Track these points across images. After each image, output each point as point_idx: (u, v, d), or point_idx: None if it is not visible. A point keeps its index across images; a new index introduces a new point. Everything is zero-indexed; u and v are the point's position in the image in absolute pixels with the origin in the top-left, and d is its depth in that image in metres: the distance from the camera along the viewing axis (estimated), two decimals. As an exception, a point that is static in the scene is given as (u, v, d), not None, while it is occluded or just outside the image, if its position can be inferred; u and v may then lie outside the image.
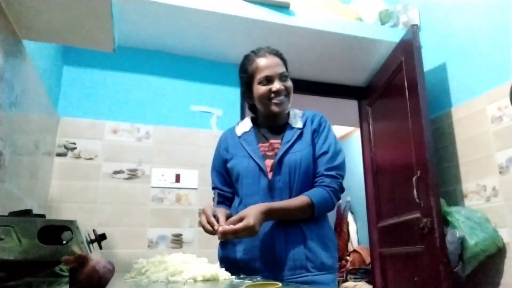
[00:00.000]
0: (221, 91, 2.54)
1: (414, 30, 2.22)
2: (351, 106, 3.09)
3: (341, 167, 1.26)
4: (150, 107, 2.37)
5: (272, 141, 1.30)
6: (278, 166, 1.24)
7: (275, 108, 1.29)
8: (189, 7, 2.08)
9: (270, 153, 1.28)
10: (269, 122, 1.35)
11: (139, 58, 2.43)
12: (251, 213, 1.07)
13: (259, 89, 1.28)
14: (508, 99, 1.93)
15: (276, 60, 1.29)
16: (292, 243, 1.18)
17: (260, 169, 1.24)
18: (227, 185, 1.37)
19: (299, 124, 1.31)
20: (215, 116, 2.49)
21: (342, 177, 1.25)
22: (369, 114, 2.82)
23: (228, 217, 1.15)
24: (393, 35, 2.46)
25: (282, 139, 1.29)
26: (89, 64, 2.31)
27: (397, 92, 2.37)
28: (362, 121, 2.94)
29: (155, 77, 2.44)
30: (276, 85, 1.27)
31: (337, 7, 2.47)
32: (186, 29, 2.26)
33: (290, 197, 1.21)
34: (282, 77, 1.28)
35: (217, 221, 1.09)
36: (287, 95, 1.30)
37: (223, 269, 0.97)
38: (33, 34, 1.33)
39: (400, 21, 2.56)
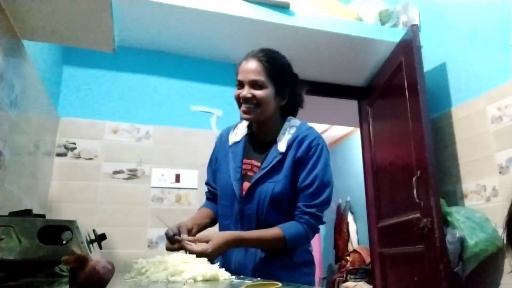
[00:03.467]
0: (221, 91, 2.54)
1: (414, 30, 2.22)
2: (351, 106, 3.09)
3: (324, 203, 1.17)
4: (150, 107, 2.37)
5: (253, 161, 1.25)
6: (250, 194, 1.20)
7: (242, 115, 1.23)
8: (189, 7, 2.08)
9: (250, 174, 1.23)
10: (259, 132, 1.29)
11: (139, 58, 2.43)
12: (214, 241, 1.05)
13: (234, 91, 1.24)
14: (508, 99, 1.93)
15: (254, 66, 1.20)
16: (256, 270, 1.17)
17: (235, 193, 1.22)
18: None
19: (283, 147, 1.21)
20: (215, 116, 2.49)
21: (324, 210, 1.18)
22: (369, 114, 2.82)
23: (199, 227, 1.20)
24: (393, 35, 2.46)
25: (262, 162, 1.23)
26: (89, 64, 2.31)
27: (397, 92, 2.37)
28: (362, 121, 2.94)
29: (155, 77, 2.44)
30: (243, 92, 1.20)
31: (337, 7, 2.47)
32: (186, 29, 2.26)
33: (257, 226, 1.18)
34: (253, 85, 1.19)
35: (179, 234, 1.11)
36: (258, 105, 1.20)
37: (223, 269, 0.97)
38: (33, 34, 1.33)
39: (400, 21, 2.56)
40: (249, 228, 1.18)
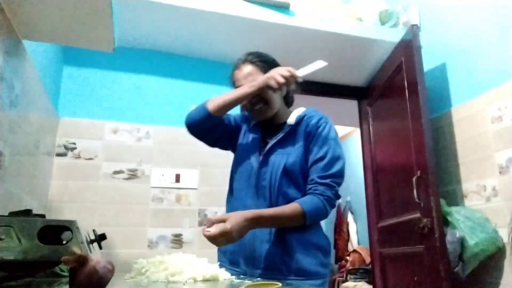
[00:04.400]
0: (221, 91, 2.50)
1: (414, 30, 2.22)
2: (351, 106, 3.09)
3: (338, 175, 1.18)
4: (150, 107, 2.37)
5: (267, 140, 1.30)
6: (264, 164, 1.23)
7: (255, 118, 1.31)
8: (189, 7, 2.08)
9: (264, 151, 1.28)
10: (268, 121, 1.33)
11: (139, 58, 2.43)
12: (231, 219, 1.02)
13: None
14: (508, 99, 1.93)
15: (247, 70, 1.26)
16: (271, 243, 1.16)
17: (252, 166, 1.25)
18: (226, 122, 1.35)
19: (292, 121, 1.27)
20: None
21: (339, 184, 1.19)
22: (369, 114, 2.82)
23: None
24: (393, 35, 2.46)
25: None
26: (89, 64, 2.31)
27: (397, 92, 2.37)
28: (362, 121, 2.94)
29: (155, 77, 2.44)
30: None
31: (337, 7, 2.47)
32: (186, 29, 2.26)
33: (271, 196, 1.19)
34: None
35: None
36: (266, 103, 1.25)
37: (223, 269, 0.97)
38: (33, 34, 1.33)
39: (400, 21, 2.56)
40: (265, 200, 1.19)
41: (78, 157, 2.16)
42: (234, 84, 1.32)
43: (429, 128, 2.08)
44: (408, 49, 2.25)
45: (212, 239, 1.00)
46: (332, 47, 2.48)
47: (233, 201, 1.28)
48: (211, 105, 1.25)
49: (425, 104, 2.10)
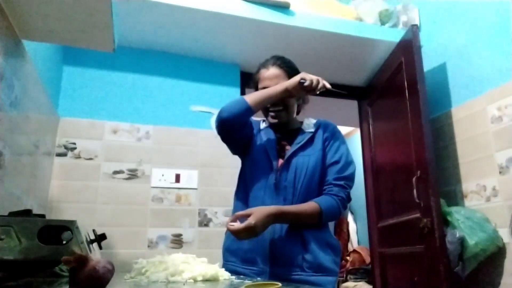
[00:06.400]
0: (221, 91, 2.54)
1: (414, 30, 2.22)
2: (351, 106, 3.09)
3: (350, 178, 1.27)
4: (150, 107, 2.37)
5: (283, 143, 1.34)
6: (286, 166, 1.26)
7: (270, 120, 1.34)
8: (189, 7, 2.08)
9: (282, 154, 1.31)
10: (282, 125, 1.37)
11: (139, 58, 2.43)
12: (255, 214, 1.08)
13: None
14: (508, 99, 1.93)
15: (276, 72, 1.31)
16: (290, 241, 1.19)
17: (271, 166, 1.27)
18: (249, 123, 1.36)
19: (311, 129, 1.34)
20: (215, 116, 2.48)
21: (350, 187, 1.27)
22: (369, 114, 2.82)
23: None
24: (393, 35, 2.46)
25: (293, 142, 1.32)
26: (89, 64, 2.31)
27: (397, 92, 2.37)
28: (362, 121, 2.94)
29: (155, 77, 2.44)
30: None
31: (337, 7, 2.47)
32: (186, 29, 2.26)
33: (293, 196, 1.23)
34: None
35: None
36: (285, 107, 1.31)
37: (223, 269, 0.97)
38: (33, 34, 1.33)
39: (400, 21, 2.56)
40: (285, 199, 1.23)
41: (78, 157, 2.16)
42: (257, 83, 1.36)
43: (429, 128, 2.08)
44: (408, 49, 2.25)
45: (236, 233, 1.06)
46: (332, 47, 2.48)
47: (250, 200, 1.30)
48: (250, 99, 1.25)
49: (425, 104, 2.10)
